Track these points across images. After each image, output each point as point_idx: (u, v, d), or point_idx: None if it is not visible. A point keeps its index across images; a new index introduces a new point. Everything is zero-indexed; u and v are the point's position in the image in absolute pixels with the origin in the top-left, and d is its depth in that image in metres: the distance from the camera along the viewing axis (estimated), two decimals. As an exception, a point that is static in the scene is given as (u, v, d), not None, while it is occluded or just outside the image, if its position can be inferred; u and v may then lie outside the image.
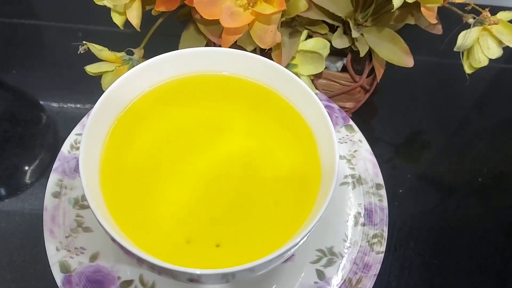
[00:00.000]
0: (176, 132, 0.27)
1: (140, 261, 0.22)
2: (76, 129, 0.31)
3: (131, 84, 0.26)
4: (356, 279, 0.28)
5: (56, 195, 0.29)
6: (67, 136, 0.31)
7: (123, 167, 0.25)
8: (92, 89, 0.37)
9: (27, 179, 0.36)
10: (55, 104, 0.40)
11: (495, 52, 0.34)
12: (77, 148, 0.31)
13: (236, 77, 0.27)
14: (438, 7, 0.31)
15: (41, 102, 0.40)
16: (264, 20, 0.27)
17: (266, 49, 0.29)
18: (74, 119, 0.38)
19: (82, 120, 0.32)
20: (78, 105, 0.40)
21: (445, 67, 0.45)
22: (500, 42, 0.34)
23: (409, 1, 0.28)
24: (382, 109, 0.41)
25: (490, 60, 0.34)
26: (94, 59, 0.32)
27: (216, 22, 0.31)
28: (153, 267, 0.22)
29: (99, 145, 0.25)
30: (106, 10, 0.44)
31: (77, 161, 0.30)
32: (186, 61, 0.27)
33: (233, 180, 0.26)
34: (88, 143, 0.23)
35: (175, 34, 0.34)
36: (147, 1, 0.33)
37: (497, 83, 0.46)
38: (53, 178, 0.29)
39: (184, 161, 0.26)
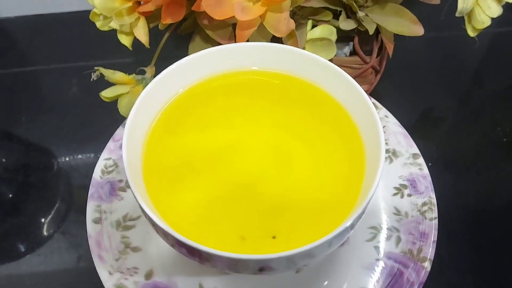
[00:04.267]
0: (216, 129, 0.27)
1: (204, 258, 0.21)
2: (104, 154, 0.31)
3: (163, 86, 0.26)
4: (416, 248, 0.27)
5: (97, 220, 0.28)
6: (86, 173, 0.31)
7: (165, 167, 0.25)
8: (101, 125, 0.37)
9: (59, 220, 0.35)
10: (68, 145, 0.40)
11: (496, 10, 0.35)
12: (108, 173, 0.30)
13: (265, 71, 0.27)
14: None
15: (53, 146, 0.40)
16: (276, 9, 0.27)
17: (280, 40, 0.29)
18: (89, 155, 0.38)
19: (108, 145, 0.31)
20: (91, 143, 0.40)
21: (446, 40, 0.46)
22: (499, 0, 0.34)
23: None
24: (393, 89, 0.41)
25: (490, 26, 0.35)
26: (99, 91, 0.32)
27: (224, 25, 0.31)
28: (219, 261, 0.21)
29: (139, 149, 0.25)
30: (102, 42, 0.45)
31: (111, 185, 0.30)
32: (218, 58, 0.27)
33: (278, 173, 0.26)
34: (129, 150, 0.23)
35: (182, 47, 0.35)
36: (150, 19, 0.33)
37: (499, 47, 0.47)
38: (91, 205, 0.29)
39: (226, 159, 0.26)
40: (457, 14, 0.34)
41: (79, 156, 0.38)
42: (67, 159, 0.38)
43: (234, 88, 0.28)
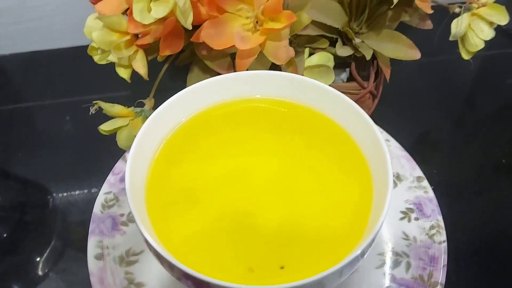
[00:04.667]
0: (219, 158, 0.26)
1: (202, 284, 0.20)
2: (104, 188, 0.30)
3: (166, 116, 0.26)
4: (427, 274, 0.26)
5: (99, 257, 0.27)
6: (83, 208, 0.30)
7: (169, 200, 0.25)
8: (99, 160, 0.37)
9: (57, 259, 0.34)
10: (67, 181, 0.39)
11: (489, 33, 0.35)
12: (109, 207, 0.30)
13: (268, 99, 0.27)
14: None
15: (51, 182, 0.39)
16: (275, 37, 0.27)
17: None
18: (88, 191, 0.38)
19: (107, 178, 0.31)
20: (89, 178, 0.39)
21: (440, 64, 0.47)
22: (491, 23, 0.35)
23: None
24: (391, 113, 0.41)
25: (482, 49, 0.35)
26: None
27: (223, 55, 0.31)
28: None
29: (142, 182, 0.24)
30: (98, 77, 0.45)
31: (113, 219, 0.29)
32: (221, 88, 0.27)
33: (284, 202, 0.25)
34: (132, 183, 0.23)
35: (180, 79, 0.35)
36: (148, 51, 0.33)
37: (492, 69, 0.47)
38: (92, 240, 0.28)
39: (231, 188, 0.25)
40: (451, 38, 0.35)
41: (78, 191, 0.38)
42: (65, 195, 0.38)
43: (237, 116, 0.28)
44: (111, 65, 0.34)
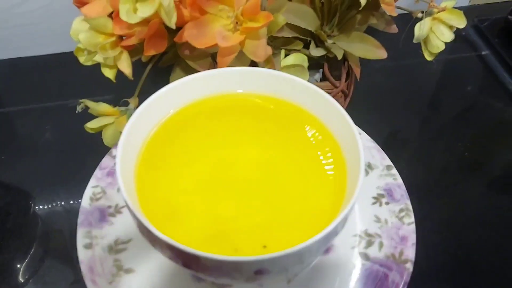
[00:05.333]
0: (205, 150, 0.28)
1: (202, 266, 0.22)
2: (91, 182, 0.32)
3: (153, 109, 0.27)
4: (398, 252, 0.29)
5: (89, 246, 0.28)
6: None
7: (159, 188, 0.26)
8: (83, 159, 0.37)
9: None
10: (52, 181, 0.40)
11: (448, 36, 0.38)
12: (97, 200, 0.31)
13: (250, 93, 0.29)
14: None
15: (36, 183, 0.40)
16: (254, 36, 0.30)
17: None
18: (73, 189, 0.39)
19: (95, 173, 0.32)
20: (75, 178, 0.40)
21: (406, 66, 0.50)
22: (450, 27, 0.38)
23: (371, -1, 0.32)
24: (361, 110, 0.44)
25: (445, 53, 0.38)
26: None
27: (205, 55, 0.33)
28: (216, 267, 0.22)
29: (131, 175, 0.26)
30: (81, 82, 0.46)
31: (101, 211, 0.30)
32: (205, 83, 0.28)
33: (266, 188, 0.27)
34: (123, 174, 0.24)
35: (162, 80, 0.36)
36: (132, 53, 0.35)
37: (453, 71, 0.51)
38: (82, 231, 0.29)
39: (216, 176, 0.27)
40: (414, 41, 0.38)
41: (65, 189, 0.39)
42: (52, 194, 0.39)
43: (221, 109, 0.29)
44: (94, 70, 0.35)
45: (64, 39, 0.48)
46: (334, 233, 0.24)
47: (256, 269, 0.22)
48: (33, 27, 0.49)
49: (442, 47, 0.38)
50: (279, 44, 0.36)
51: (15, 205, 0.39)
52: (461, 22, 0.37)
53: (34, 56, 0.50)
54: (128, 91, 0.35)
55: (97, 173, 0.32)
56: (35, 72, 0.49)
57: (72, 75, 0.48)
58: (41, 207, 0.38)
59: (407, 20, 0.38)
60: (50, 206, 0.38)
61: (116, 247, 0.29)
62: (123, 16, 0.28)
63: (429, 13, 0.38)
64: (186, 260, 0.22)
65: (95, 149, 0.34)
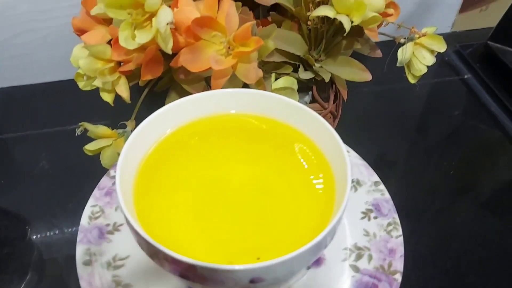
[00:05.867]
0: (201, 168, 0.29)
1: (199, 276, 0.23)
2: (90, 202, 0.33)
3: (151, 130, 0.29)
4: (387, 264, 0.30)
5: (88, 263, 0.29)
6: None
7: (156, 203, 0.27)
8: (76, 187, 0.39)
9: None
10: (50, 204, 0.41)
11: (430, 60, 0.40)
12: (96, 218, 0.32)
13: (243, 114, 0.31)
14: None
15: (32, 210, 0.41)
16: (245, 60, 0.31)
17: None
18: (71, 208, 0.40)
19: (93, 193, 0.33)
20: (72, 200, 0.41)
21: (390, 90, 0.52)
22: (432, 51, 0.40)
23: (354, 24, 0.34)
24: (349, 131, 0.46)
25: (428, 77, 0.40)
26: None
27: (199, 79, 0.35)
28: (212, 277, 0.23)
29: (130, 190, 0.27)
30: (77, 108, 0.48)
31: (99, 229, 0.31)
32: (199, 104, 0.30)
33: (259, 203, 0.28)
34: (122, 189, 0.25)
35: (157, 105, 0.38)
36: (129, 78, 0.36)
37: (436, 94, 0.53)
38: (80, 248, 0.30)
39: (211, 192, 0.28)
40: (398, 64, 0.40)
41: (62, 212, 0.40)
42: (50, 216, 0.40)
43: (216, 129, 0.31)
44: (90, 97, 0.37)
45: (59, 68, 0.50)
46: (323, 243, 0.25)
47: (251, 277, 0.23)
48: (29, 57, 0.51)
49: (424, 70, 0.40)
50: (269, 68, 0.38)
51: (12, 229, 0.39)
52: (441, 47, 0.39)
53: (31, 85, 0.52)
54: (122, 117, 0.37)
55: (96, 193, 0.33)
56: (32, 100, 0.51)
57: (68, 102, 0.50)
58: (39, 231, 0.39)
59: (391, 46, 0.40)
60: (48, 229, 0.39)
61: (115, 263, 0.30)
62: (122, 42, 0.30)
63: (411, 39, 0.40)
64: (183, 270, 0.23)
65: (92, 173, 0.35)
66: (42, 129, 0.48)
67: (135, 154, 0.29)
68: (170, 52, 0.31)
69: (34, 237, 0.39)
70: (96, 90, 0.36)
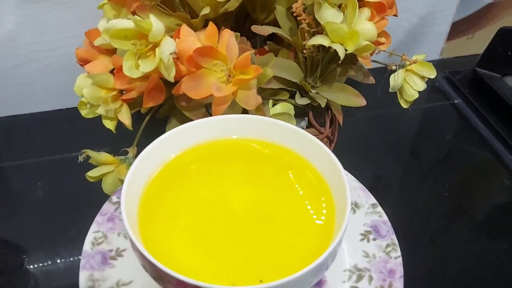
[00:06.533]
0: (203, 192, 0.30)
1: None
2: (93, 228, 0.33)
3: (155, 154, 0.29)
4: (387, 284, 0.30)
5: (91, 288, 0.29)
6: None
7: (160, 226, 0.28)
8: (82, 208, 0.38)
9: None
10: (53, 230, 0.41)
11: (421, 85, 0.42)
12: (98, 244, 0.32)
13: (244, 138, 0.32)
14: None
15: (32, 240, 0.41)
16: (245, 87, 0.33)
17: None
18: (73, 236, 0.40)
19: (96, 219, 0.34)
20: (67, 233, 0.41)
21: (384, 115, 0.54)
22: (422, 77, 0.42)
23: (348, 52, 0.35)
24: (346, 155, 0.47)
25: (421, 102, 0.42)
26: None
27: (199, 106, 0.36)
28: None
29: (134, 215, 0.27)
30: (77, 137, 0.48)
31: (102, 255, 0.31)
32: (202, 130, 0.31)
33: (261, 226, 0.29)
34: (128, 212, 0.26)
35: (158, 131, 0.39)
36: (131, 105, 0.37)
37: (429, 118, 0.55)
38: (84, 274, 0.30)
39: (214, 214, 0.29)
40: (390, 90, 0.41)
41: (62, 239, 0.40)
42: (50, 244, 0.40)
43: (218, 153, 0.32)
44: (90, 125, 0.38)
45: (59, 97, 0.51)
46: (324, 265, 0.26)
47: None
48: (30, 86, 0.52)
49: (416, 95, 0.42)
50: (267, 94, 0.39)
51: (10, 258, 0.39)
52: (431, 73, 0.41)
53: (31, 113, 0.53)
54: (120, 144, 0.38)
55: (98, 218, 0.33)
56: (32, 128, 0.51)
57: (68, 130, 0.50)
58: (37, 260, 0.39)
59: (384, 72, 0.42)
60: (46, 258, 0.39)
61: (118, 289, 0.30)
62: (126, 71, 0.31)
63: (402, 66, 0.41)
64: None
65: (91, 201, 0.35)
66: (42, 157, 0.48)
67: (139, 179, 0.30)
68: (173, 80, 0.32)
69: (31, 266, 0.39)
70: (95, 119, 0.37)
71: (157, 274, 0.25)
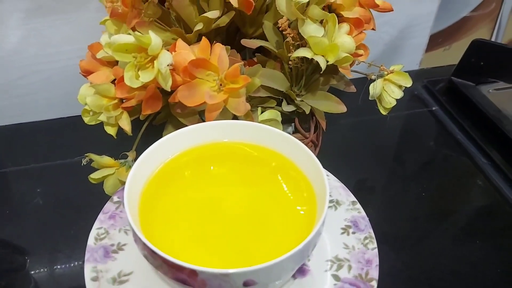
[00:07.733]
0: (198, 189, 0.33)
1: (200, 282, 0.26)
2: (96, 225, 0.36)
3: (156, 154, 0.33)
4: (364, 272, 0.33)
5: (95, 279, 0.32)
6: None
7: (158, 222, 0.31)
8: (85, 210, 0.41)
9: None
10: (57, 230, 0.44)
11: (398, 93, 0.45)
12: (101, 239, 0.35)
13: (235, 142, 0.36)
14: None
15: (37, 241, 0.44)
16: (235, 95, 0.36)
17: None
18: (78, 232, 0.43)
19: (98, 216, 0.36)
20: (69, 232, 0.44)
21: (365, 121, 0.57)
22: (400, 86, 0.45)
23: (330, 63, 0.39)
24: (329, 158, 0.50)
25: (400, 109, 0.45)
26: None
27: (193, 113, 0.39)
28: (210, 279, 0.26)
29: (136, 211, 0.30)
30: (78, 143, 0.51)
31: (105, 249, 0.34)
32: (195, 134, 0.35)
33: (250, 219, 0.32)
34: (130, 207, 0.29)
35: (155, 137, 0.42)
36: (130, 113, 0.40)
37: (408, 125, 0.58)
38: (88, 266, 0.33)
39: (206, 212, 0.32)
40: (370, 98, 0.45)
41: (63, 241, 0.43)
42: (52, 247, 0.42)
43: (210, 155, 0.35)
44: (89, 132, 0.41)
45: (60, 106, 0.54)
46: (305, 251, 0.29)
47: (244, 280, 0.27)
48: (33, 97, 0.54)
49: (393, 103, 0.45)
50: (256, 102, 0.43)
51: (11, 260, 0.42)
52: (407, 82, 0.45)
53: (33, 122, 0.55)
54: (118, 149, 0.40)
55: (101, 216, 0.36)
56: (34, 136, 0.54)
57: (68, 137, 0.53)
58: (39, 262, 0.42)
59: (364, 82, 0.45)
60: (48, 261, 0.42)
61: (120, 279, 0.33)
62: (127, 81, 0.34)
63: (380, 75, 0.45)
64: (185, 275, 0.27)
65: (91, 203, 0.38)
66: (44, 163, 0.51)
67: (139, 179, 0.33)
68: (169, 90, 0.35)
69: (34, 268, 0.41)
70: (95, 126, 0.40)
71: (157, 261, 0.28)
